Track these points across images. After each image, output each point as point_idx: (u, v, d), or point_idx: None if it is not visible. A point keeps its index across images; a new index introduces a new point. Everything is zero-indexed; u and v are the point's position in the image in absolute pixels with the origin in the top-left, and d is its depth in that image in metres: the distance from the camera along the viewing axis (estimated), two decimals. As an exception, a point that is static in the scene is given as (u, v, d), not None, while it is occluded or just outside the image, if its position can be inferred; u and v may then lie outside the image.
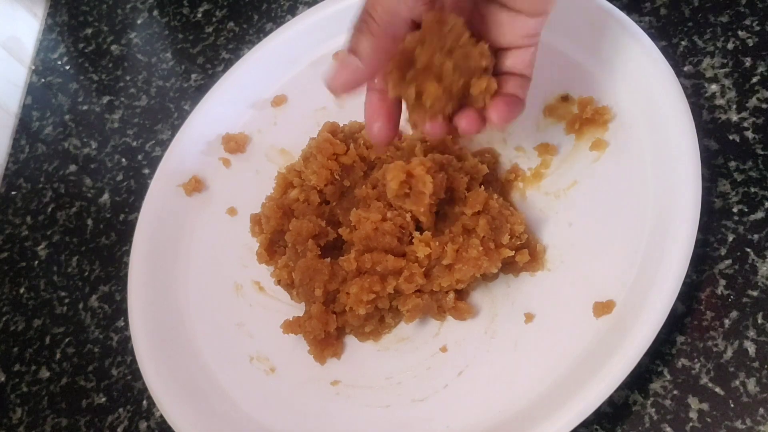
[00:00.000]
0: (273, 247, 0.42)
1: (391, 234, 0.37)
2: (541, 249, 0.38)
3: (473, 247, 0.36)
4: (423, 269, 0.37)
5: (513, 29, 0.30)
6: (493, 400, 0.35)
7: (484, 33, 0.31)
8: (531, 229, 0.39)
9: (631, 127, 0.39)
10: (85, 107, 0.58)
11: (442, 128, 0.31)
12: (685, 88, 0.37)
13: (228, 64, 0.54)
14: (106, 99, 0.58)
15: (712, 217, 0.36)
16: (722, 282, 0.35)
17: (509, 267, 0.38)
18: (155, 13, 0.61)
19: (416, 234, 0.37)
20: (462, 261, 0.36)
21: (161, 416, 0.41)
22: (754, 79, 0.39)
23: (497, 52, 0.31)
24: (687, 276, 0.32)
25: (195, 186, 0.47)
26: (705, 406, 0.32)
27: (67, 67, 0.62)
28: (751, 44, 0.40)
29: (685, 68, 0.41)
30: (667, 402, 0.33)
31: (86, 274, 0.49)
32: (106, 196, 0.53)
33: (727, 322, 0.34)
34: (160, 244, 0.45)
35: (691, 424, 0.32)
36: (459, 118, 0.31)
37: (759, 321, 0.33)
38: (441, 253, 0.36)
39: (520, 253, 0.37)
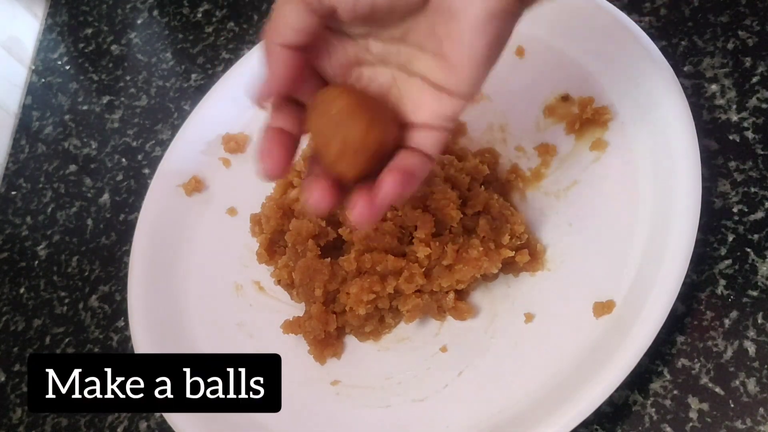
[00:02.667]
0: (273, 247, 0.42)
1: (391, 234, 0.37)
2: (541, 249, 0.38)
3: (473, 248, 0.36)
4: (423, 269, 0.37)
5: (431, 108, 0.28)
6: (493, 400, 0.34)
7: (398, 105, 0.29)
8: (531, 229, 0.39)
9: (631, 127, 0.38)
10: (85, 107, 0.58)
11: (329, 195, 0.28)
12: (685, 88, 0.37)
13: (228, 64, 0.54)
14: (106, 99, 0.58)
15: (712, 217, 0.36)
16: (722, 282, 0.35)
17: (509, 267, 0.38)
18: (155, 13, 0.61)
19: (416, 234, 0.37)
20: (462, 261, 0.36)
21: (161, 416, 0.41)
22: (754, 79, 0.39)
23: (405, 126, 0.29)
24: (687, 276, 0.32)
25: (195, 186, 0.47)
26: (705, 406, 0.32)
27: (67, 67, 0.62)
28: (751, 44, 0.40)
29: (685, 68, 0.41)
30: (667, 402, 0.33)
31: (86, 274, 0.49)
32: (106, 196, 0.53)
33: (727, 322, 0.34)
34: (160, 244, 0.45)
35: (691, 424, 0.32)
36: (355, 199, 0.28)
37: (759, 321, 0.33)
38: (441, 253, 0.36)
39: (520, 253, 0.37)
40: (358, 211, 0.27)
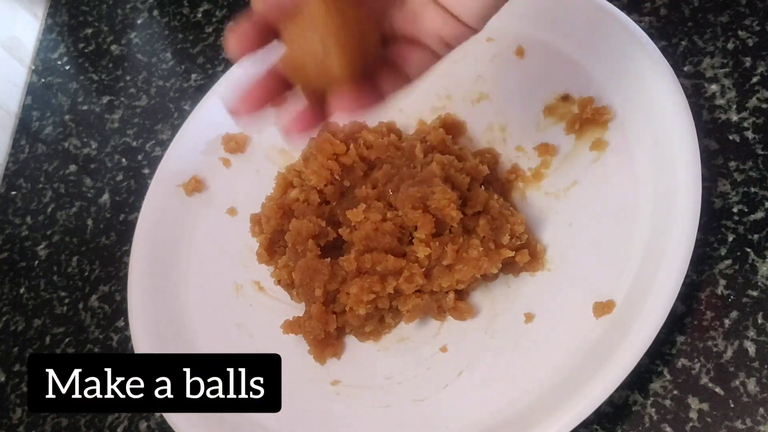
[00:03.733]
0: (273, 247, 0.42)
1: (391, 234, 0.37)
2: (541, 249, 0.38)
3: (473, 248, 0.36)
4: (423, 269, 0.37)
5: (431, 25, 0.26)
6: (493, 400, 0.34)
7: (392, 11, 0.27)
8: (531, 229, 0.39)
9: (631, 127, 0.38)
10: (85, 107, 0.58)
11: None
12: (685, 88, 0.37)
13: (228, 63, 0.54)
14: (106, 99, 0.58)
15: (712, 217, 0.36)
16: (722, 282, 0.35)
17: (509, 267, 0.38)
18: (155, 13, 0.61)
19: (416, 234, 0.37)
20: (462, 261, 0.36)
21: (161, 416, 0.41)
22: (754, 79, 0.39)
23: (396, 38, 0.27)
24: (687, 276, 0.32)
25: (195, 186, 0.47)
26: (705, 406, 0.32)
27: (67, 67, 0.62)
28: (751, 44, 0.40)
29: (685, 68, 0.41)
30: (667, 402, 0.33)
31: (86, 274, 0.49)
32: (106, 196, 0.53)
33: (727, 322, 0.34)
34: (160, 244, 0.45)
35: (691, 424, 0.32)
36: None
37: (759, 321, 0.33)
38: (441, 253, 0.36)
39: (520, 253, 0.37)
40: (348, 99, 0.25)
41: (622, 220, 0.36)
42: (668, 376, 0.33)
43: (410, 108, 0.45)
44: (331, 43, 0.25)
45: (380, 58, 0.27)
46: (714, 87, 0.40)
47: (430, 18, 0.26)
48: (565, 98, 0.41)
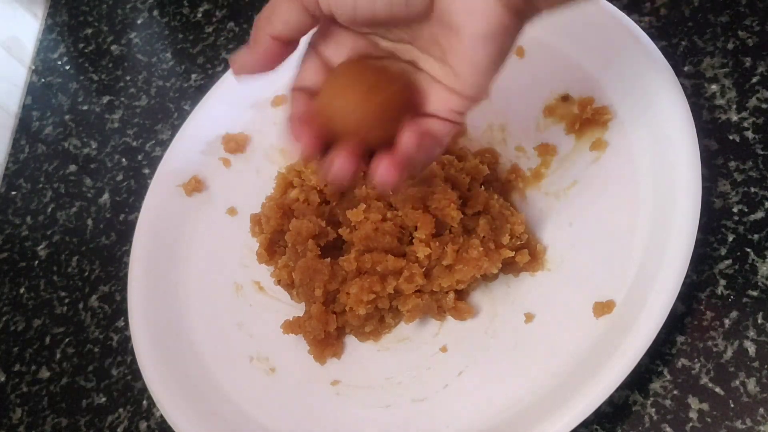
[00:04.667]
0: (273, 247, 0.42)
1: (391, 234, 0.37)
2: (541, 249, 0.38)
3: (473, 248, 0.36)
4: (423, 269, 0.36)
5: (440, 100, 0.28)
6: (493, 400, 0.34)
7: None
8: (531, 229, 0.39)
9: (631, 127, 0.38)
10: (85, 107, 0.58)
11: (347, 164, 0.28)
12: (685, 88, 0.37)
13: (228, 64, 0.54)
14: (106, 99, 0.58)
15: (712, 217, 0.36)
16: (722, 282, 0.35)
17: (509, 267, 0.38)
18: (155, 13, 0.61)
19: (416, 234, 0.37)
20: (462, 261, 0.36)
21: (161, 416, 0.41)
22: (754, 79, 0.39)
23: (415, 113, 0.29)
24: (687, 276, 0.32)
25: (195, 186, 0.47)
26: (705, 406, 0.32)
27: (67, 67, 0.62)
28: (751, 44, 0.40)
29: (685, 68, 0.41)
30: (667, 402, 0.33)
31: (86, 274, 0.49)
32: (106, 196, 0.53)
33: (727, 322, 0.34)
34: (160, 244, 0.45)
35: (691, 424, 0.32)
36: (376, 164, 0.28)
37: (759, 321, 0.33)
38: (441, 253, 0.36)
39: (520, 253, 0.37)
40: (382, 170, 0.27)
41: (622, 220, 0.36)
42: (668, 376, 0.33)
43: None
44: (353, 108, 0.27)
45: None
46: (714, 87, 0.40)
47: (437, 96, 0.28)
48: (565, 98, 0.41)
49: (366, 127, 0.27)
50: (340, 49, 0.29)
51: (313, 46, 0.30)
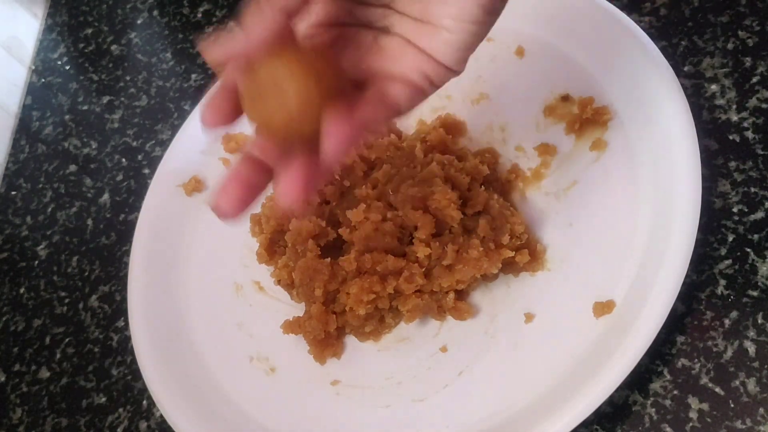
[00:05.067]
0: (273, 247, 0.42)
1: (391, 234, 0.37)
2: (541, 249, 0.38)
3: (473, 248, 0.36)
4: (423, 269, 0.36)
5: (412, 62, 0.25)
6: (493, 400, 0.34)
7: (370, 59, 0.26)
8: (531, 229, 0.39)
9: (631, 127, 0.38)
10: (85, 107, 0.58)
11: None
12: (685, 88, 0.37)
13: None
14: (106, 99, 0.58)
15: (712, 217, 0.36)
16: (722, 282, 0.35)
17: (509, 267, 0.38)
18: (155, 13, 0.61)
19: (416, 234, 0.37)
20: (462, 261, 0.36)
21: (161, 416, 0.41)
22: (754, 79, 0.39)
23: (376, 77, 0.26)
24: (687, 276, 0.32)
25: (195, 186, 0.47)
26: (705, 406, 0.32)
27: (67, 67, 0.62)
28: (751, 44, 0.40)
29: (685, 68, 0.41)
30: (667, 402, 0.33)
31: (86, 274, 0.49)
32: (106, 196, 0.53)
33: (727, 322, 0.34)
34: (160, 244, 0.45)
35: (691, 424, 0.32)
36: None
37: (759, 321, 0.33)
38: (441, 253, 0.36)
39: (520, 253, 0.37)
40: (282, 188, 0.24)
41: (622, 220, 0.36)
42: (668, 376, 0.33)
43: (410, 108, 0.45)
44: (295, 88, 0.23)
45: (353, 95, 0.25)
46: (714, 87, 0.40)
47: (411, 57, 0.26)
48: (565, 98, 0.41)
49: (285, 124, 0.23)
50: (310, 15, 0.26)
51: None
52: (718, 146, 0.38)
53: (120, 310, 0.46)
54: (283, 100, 0.23)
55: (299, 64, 0.23)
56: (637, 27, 0.39)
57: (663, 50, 0.39)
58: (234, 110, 0.26)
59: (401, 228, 0.37)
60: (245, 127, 0.54)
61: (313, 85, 0.23)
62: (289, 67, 0.23)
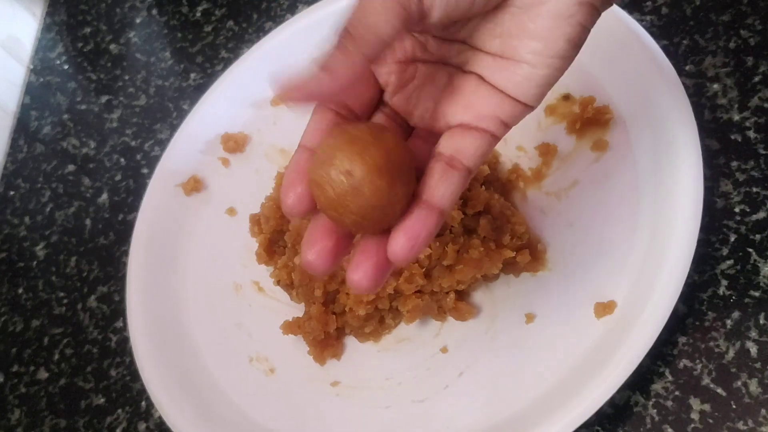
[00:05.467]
0: (272, 248, 0.42)
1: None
2: (542, 249, 0.38)
3: (474, 248, 0.36)
4: (423, 270, 0.36)
5: (484, 105, 0.24)
6: (493, 401, 0.34)
7: (443, 102, 0.26)
8: (532, 229, 0.38)
9: (632, 126, 0.38)
10: (83, 107, 0.58)
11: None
12: (686, 87, 0.37)
13: (227, 63, 0.54)
14: (104, 98, 0.58)
15: (714, 217, 0.36)
16: (724, 282, 0.35)
17: (510, 267, 0.37)
18: (154, 12, 0.61)
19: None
20: (463, 262, 0.36)
21: (160, 417, 0.40)
22: (756, 79, 0.39)
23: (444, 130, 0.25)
24: (688, 276, 0.32)
25: (194, 186, 0.47)
26: (707, 407, 0.32)
27: (66, 67, 0.62)
28: (752, 43, 0.40)
29: (687, 67, 0.41)
30: (669, 403, 0.33)
31: (85, 274, 0.49)
32: (104, 196, 0.52)
33: (728, 322, 0.34)
34: (158, 244, 0.45)
35: (692, 425, 0.32)
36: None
37: (761, 321, 0.33)
38: (441, 253, 0.36)
39: (521, 253, 0.36)
40: (360, 275, 0.23)
41: (623, 220, 0.36)
42: (670, 377, 0.33)
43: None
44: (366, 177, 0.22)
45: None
46: (716, 86, 0.40)
47: (485, 101, 0.25)
48: (567, 98, 0.41)
49: (348, 212, 0.22)
50: (389, 54, 0.26)
51: None
52: (719, 146, 0.38)
53: (119, 310, 0.46)
54: (356, 198, 0.22)
55: (372, 158, 0.22)
56: (639, 26, 0.39)
57: (664, 49, 0.39)
58: (338, 249, 0.24)
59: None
60: (245, 126, 0.54)
61: (385, 182, 0.22)
62: (362, 161, 0.22)
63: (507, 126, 0.25)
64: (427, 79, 0.26)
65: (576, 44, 0.24)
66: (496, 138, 0.25)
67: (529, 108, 0.25)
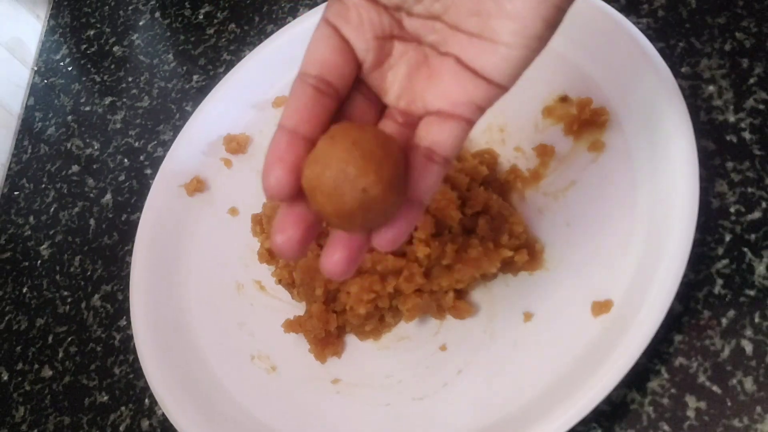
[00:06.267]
0: (274, 247, 0.42)
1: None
2: (539, 249, 0.38)
3: (473, 248, 0.36)
4: (422, 269, 0.37)
5: (459, 90, 0.24)
6: (492, 399, 0.35)
7: (419, 85, 0.26)
8: (530, 229, 0.39)
9: (629, 127, 0.39)
10: (87, 108, 0.59)
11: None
12: (682, 89, 0.38)
13: (229, 65, 0.55)
14: (108, 100, 0.58)
15: (710, 216, 0.36)
16: (719, 281, 0.35)
17: (508, 267, 0.38)
18: (157, 14, 0.62)
19: (416, 234, 0.37)
20: (462, 261, 0.36)
21: (163, 414, 0.41)
22: (751, 80, 0.39)
23: (414, 120, 0.25)
24: (684, 275, 0.32)
25: (196, 186, 0.47)
26: (702, 405, 0.33)
27: (70, 68, 0.62)
28: (748, 45, 0.40)
29: (683, 69, 0.41)
30: (665, 400, 0.33)
31: (88, 273, 0.50)
32: (108, 197, 0.53)
33: (724, 321, 0.34)
34: (161, 244, 0.45)
35: (688, 422, 0.32)
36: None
37: (756, 320, 0.33)
38: (441, 253, 0.36)
39: (519, 253, 0.37)
40: (333, 263, 0.23)
41: (619, 220, 0.36)
42: (666, 375, 0.34)
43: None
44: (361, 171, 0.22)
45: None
46: (711, 88, 0.40)
47: (462, 86, 0.25)
48: (564, 99, 0.42)
49: (354, 223, 0.23)
50: (362, 26, 0.25)
51: (328, 21, 0.25)
52: (715, 147, 0.38)
53: (122, 309, 0.47)
54: (366, 212, 0.23)
55: (387, 175, 0.22)
56: (635, 28, 0.40)
57: (661, 51, 0.39)
58: (307, 232, 0.24)
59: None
60: (247, 128, 0.54)
61: (395, 196, 0.23)
62: (378, 179, 0.22)
63: (482, 110, 0.25)
64: (403, 58, 0.26)
65: (552, 25, 0.24)
66: (471, 123, 0.25)
67: (503, 89, 0.25)
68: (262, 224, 0.43)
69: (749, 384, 0.32)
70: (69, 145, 0.57)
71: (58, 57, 0.63)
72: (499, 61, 0.24)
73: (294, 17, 0.54)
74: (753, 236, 0.35)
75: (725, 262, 0.35)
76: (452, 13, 0.25)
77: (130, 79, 0.59)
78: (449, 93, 0.25)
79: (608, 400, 0.33)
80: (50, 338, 0.48)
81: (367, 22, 0.25)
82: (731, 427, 0.32)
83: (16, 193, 0.56)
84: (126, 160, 0.54)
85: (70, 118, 0.59)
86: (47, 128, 0.59)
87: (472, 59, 0.24)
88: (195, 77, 0.56)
